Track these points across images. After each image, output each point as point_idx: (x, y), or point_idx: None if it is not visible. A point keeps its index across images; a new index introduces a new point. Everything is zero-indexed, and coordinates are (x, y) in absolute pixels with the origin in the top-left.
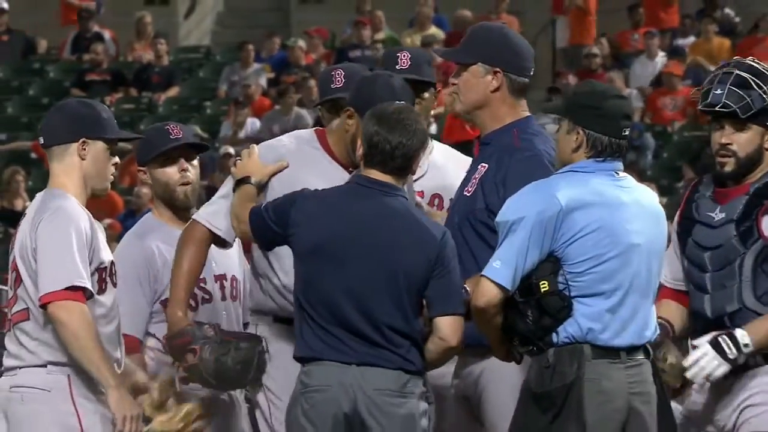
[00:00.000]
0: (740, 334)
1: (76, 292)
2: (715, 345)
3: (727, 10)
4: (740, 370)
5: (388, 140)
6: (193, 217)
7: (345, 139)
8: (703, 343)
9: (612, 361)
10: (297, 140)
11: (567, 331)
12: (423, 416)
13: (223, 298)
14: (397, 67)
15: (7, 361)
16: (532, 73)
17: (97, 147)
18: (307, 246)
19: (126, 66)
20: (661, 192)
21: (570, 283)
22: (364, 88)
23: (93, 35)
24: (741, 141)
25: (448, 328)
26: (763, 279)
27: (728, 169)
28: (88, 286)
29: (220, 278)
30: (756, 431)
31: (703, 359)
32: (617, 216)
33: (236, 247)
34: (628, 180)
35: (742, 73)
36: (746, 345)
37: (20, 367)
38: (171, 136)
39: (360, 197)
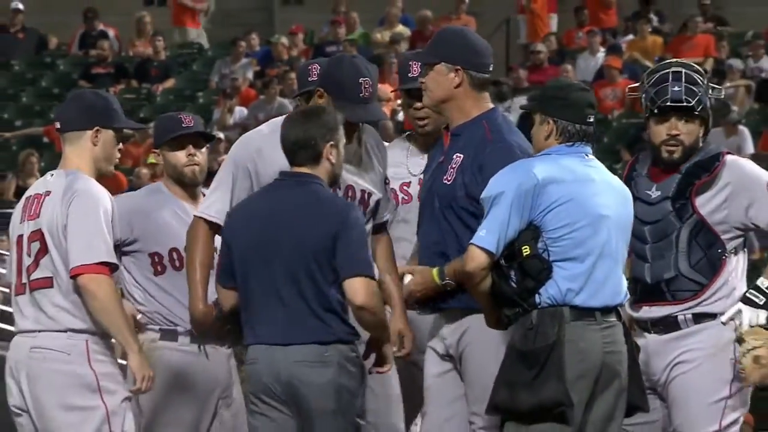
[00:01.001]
0: (760, 281)
1: (104, 266)
2: (746, 300)
3: (659, 13)
4: (672, 330)
5: (287, 135)
6: (194, 215)
7: None
8: (736, 304)
9: (588, 323)
10: (273, 126)
11: (548, 292)
12: (347, 378)
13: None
14: (409, 74)
15: (24, 323)
16: (491, 69)
17: (107, 135)
18: (240, 249)
19: (128, 60)
20: None
21: (549, 248)
22: (330, 69)
23: (98, 33)
24: (689, 131)
25: (350, 288)
26: (697, 249)
27: (677, 156)
28: (115, 261)
29: None
30: (686, 385)
31: (745, 318)
32: (587, 190)
33: None
34: (597, 162)
35: (691, 72)
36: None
37: (39, 331)
38: (183, 124)
39: (279, 189)
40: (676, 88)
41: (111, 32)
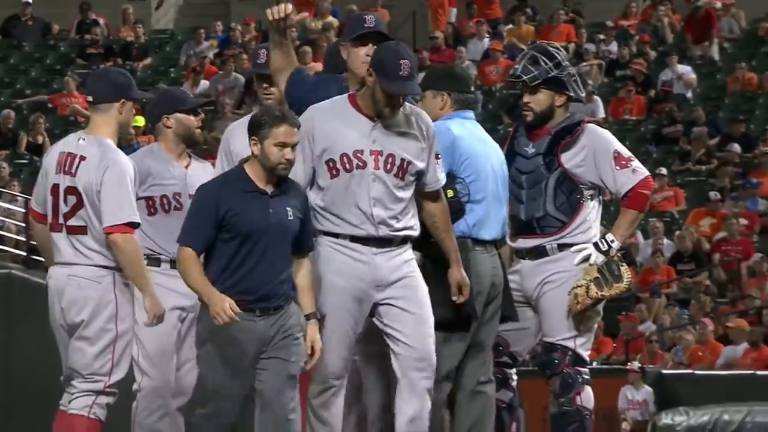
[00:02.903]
0: (608, 236)
1: (130, 226)
2: (595, 245)
3: (533, 7)
4: (542, 257)
5: None
6: None
7: (367, 94)
8: (588, 246)
9: (482, 252)
10: (333, 102)
11: (459, 228)
12: (200, 325)
13: None
14: (258, 61)
15: (61, 256)
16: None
17: (129, 105)
18: None
19: (115, 43)
20: (488, 132)
21: (463, 192)
22: (378, 53)
23: (91, 21)
24: (536, 101)
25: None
26: (561, 195)
27: (529, 119)
28: (138, 220)
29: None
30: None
31: (593, 254)
32: (482, 147)
33: (210, 174)
34: (479, 126)
35: (535, 53)
36: (612, 241)
37: (76, 264)
38: (192, 97)
39: None
40: (517, 66)
41: (101, 21)
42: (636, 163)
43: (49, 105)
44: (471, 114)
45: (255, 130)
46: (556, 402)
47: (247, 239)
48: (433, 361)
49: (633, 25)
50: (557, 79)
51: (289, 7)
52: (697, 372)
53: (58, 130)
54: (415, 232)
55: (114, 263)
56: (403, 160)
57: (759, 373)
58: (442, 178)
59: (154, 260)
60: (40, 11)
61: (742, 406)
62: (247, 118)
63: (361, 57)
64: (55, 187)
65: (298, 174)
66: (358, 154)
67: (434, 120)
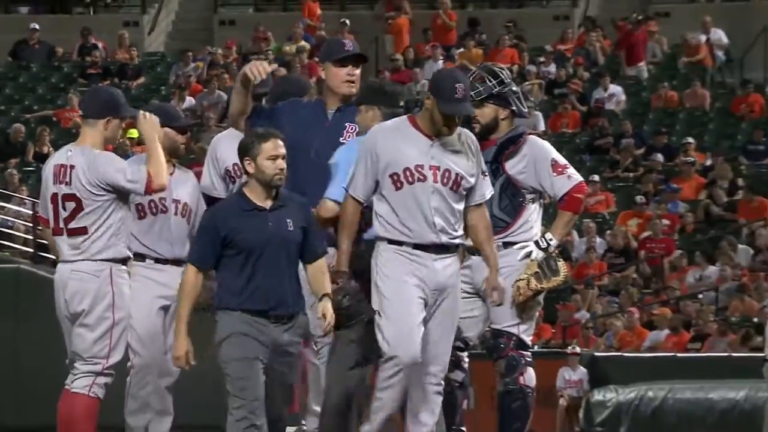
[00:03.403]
0: (547, 235)
1: (145, 177)
2: (536, 243)
3: (481, 33)
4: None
5: None
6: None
7: (426, 115)
8: (529, 243)
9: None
10: (395, 122)
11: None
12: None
13: (175, 214)
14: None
15: (64, 255)
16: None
17: (115, 122)
18: None
19: (112, 64)
20: None
21: None
22: (434, 77)
23: (91, 45)
24: (482, 114)
25: None
26: (505, 198)
27: (477, 131)
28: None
29: (176, 201)
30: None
31: (534, 251)
32: None
33: (192, 183)
34: None
35: (482, 72)
36: (550, 239)
37: (76, 260)
38: (182, 116)
39: None
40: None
41: (100, 45)
42: (571, 170)
43: (54, 119)
44: None
45: (246, 151)
46: (502, 381)
47: (251, 253)
48: (445, 368)
49: (569, 49)
50: (500, 95)
51: (268, 67)
52: (625, 354)
53: (62, 141)
54: (466, 240)
55: (111, 258)
56: (457, 175)
57: (679, 355)
58: (488, 193)
59: (139, 256)
60: (46, 36)
61: (665, 384)
62: (230, 130)
63: (341, 76)
64: (54, 196)
65: (358, 187)
66: (419, 169)
67: (367, 130)
